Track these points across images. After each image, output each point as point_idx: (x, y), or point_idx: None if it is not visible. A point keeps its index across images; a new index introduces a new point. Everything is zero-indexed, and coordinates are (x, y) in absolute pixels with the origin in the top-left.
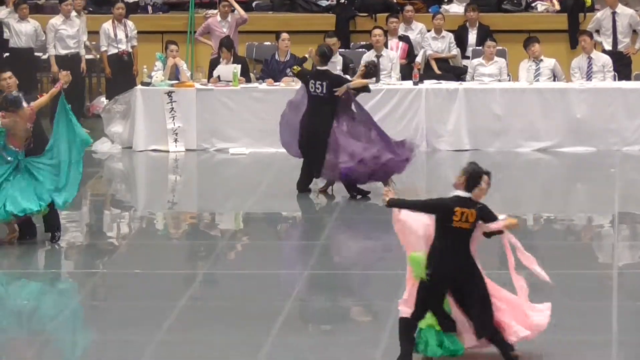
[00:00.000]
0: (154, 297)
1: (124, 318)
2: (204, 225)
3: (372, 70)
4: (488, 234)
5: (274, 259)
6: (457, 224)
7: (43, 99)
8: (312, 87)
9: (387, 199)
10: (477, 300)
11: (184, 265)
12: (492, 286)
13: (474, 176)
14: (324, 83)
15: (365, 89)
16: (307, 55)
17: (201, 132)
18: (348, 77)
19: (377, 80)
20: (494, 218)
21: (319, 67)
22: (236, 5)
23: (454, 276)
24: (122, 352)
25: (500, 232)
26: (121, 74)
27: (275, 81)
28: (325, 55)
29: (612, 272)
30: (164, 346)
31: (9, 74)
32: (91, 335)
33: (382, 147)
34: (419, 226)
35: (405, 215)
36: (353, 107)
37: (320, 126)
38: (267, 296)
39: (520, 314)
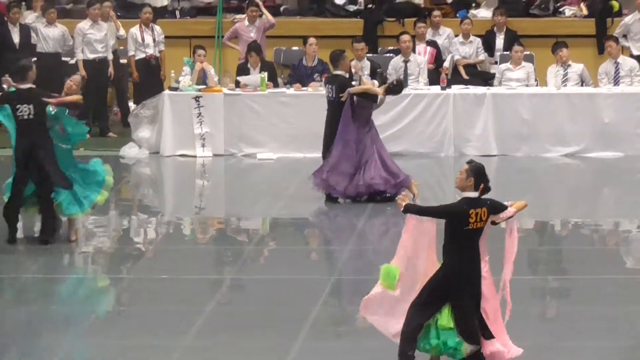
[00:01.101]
0: (181, 302)
1: (150, 323)
2: (231, 230)
3: (396, 88)
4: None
5: (301, 264)
6: (474, 226)
7: (67, 98)
8: (326, 92)
9: (404, 204)
10: (473, 309)
11: (211, 271)
12: (490, 290)
13: (481, 174)
14: (334, 87)
15: (369, 96)
16: (353, 70)
17: (229, 137)
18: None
19: (406, 85)
20: (503, 207)
21: (334, 72)
22: (264, 10)
23: (471, 277)
24: (149, 357)
25: (511, 217)
26: (149, 79)
27: (303, 86)
28: (335, 60)
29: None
30: (191, 351)
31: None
32: (118, 340)
33: (376, 174)
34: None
35: (418, 224)
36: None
37: (335, 132)
38: (294, 301)
39: (500, 329)
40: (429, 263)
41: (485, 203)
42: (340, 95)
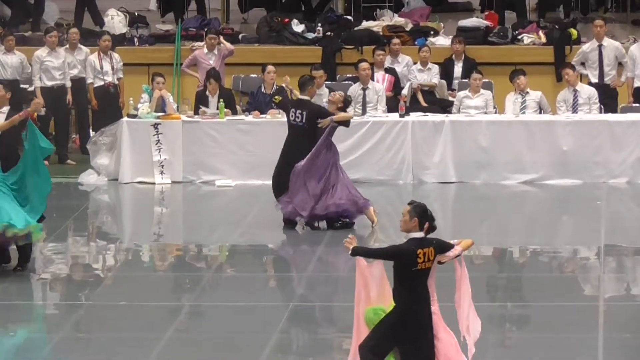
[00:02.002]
0: (139, 329)
1: (109, 350)
2: (189, 257)
3: (348, 103)
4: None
5: (259, 291)
6: (422, 266)
7: (4, 122)
8: (292, 116)
9: (351, 247)
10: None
11: (169, 297)
12: (442, 327)
13: (424, 213)
14: (304, 112)
15: (345, 122)
16: (283, 85)
17: (187, 164)
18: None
19: (364, 113)
20: (449, 246)
21: (299, 97)
22: (222, 40)
23: (422, 319)
24: None
25: (457, 256)
26: (107, 106)
27: (262, 113)
28: (303, 84)
29: (598, 305)
30: None
31: (0, 86)
32: None
33: (344, 195)
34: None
35: (368, 268)
36: (324, 143)
37: (298, 157)
38: (253, 328)
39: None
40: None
41: (432, 242)
42: (315, 121)
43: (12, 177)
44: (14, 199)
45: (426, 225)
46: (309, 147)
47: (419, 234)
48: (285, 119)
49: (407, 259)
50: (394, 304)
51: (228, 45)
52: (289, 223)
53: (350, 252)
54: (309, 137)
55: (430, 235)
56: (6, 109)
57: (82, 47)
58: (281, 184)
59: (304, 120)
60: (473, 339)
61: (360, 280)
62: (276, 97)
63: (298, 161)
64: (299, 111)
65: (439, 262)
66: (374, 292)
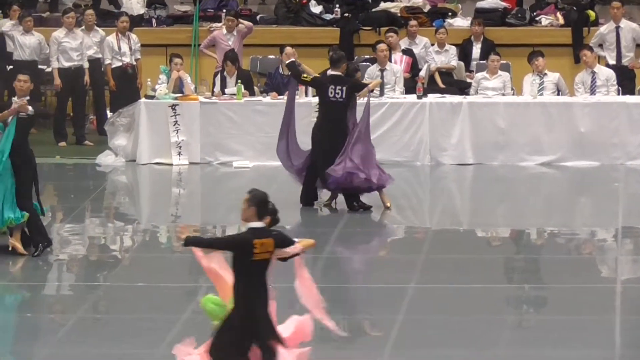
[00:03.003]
0: (156, 310)
1: (126, 331)
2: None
3: (354, 70)
4: (285, 259)
5: (277, 272)
6: (258, 257)
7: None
8: (331, 93)
9: (184, 237)
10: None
11: (187, 279)
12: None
13: (262, 203)
14: (344, 88)
15: (380, 89)
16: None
17: (205, 145)
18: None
19: (381, 94)
20: (290, 242)
21: (333, 73)
22: (240, 19)
23: (260, 313)
24: None
25: (296, 254)
26: (125, 87)
27: (279, 94)
28: (338, 60)
29: (615, 287)
30: None
31: (26, 77)
32: (94, 349)
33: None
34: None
35: (209, 259)
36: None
37: (341, 133)
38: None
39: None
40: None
41: (271, 234)
42: (357, 95)
43: None
44: None
45: (267, 219)
46: (346, 122)
47: (258, 224)
48: (302, 100)
49: (243, 248)
50: (234, 300)
51: (246, 23)
52: (363, 207)
53: (183, 243)
54: (345, 112)
55: (274, 228)
56: (25, 98)
57: (98, 29)
58: (328, 163)
59: (344, 96)
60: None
61: (210, 272)
62: (305, 75)
63: (339, 139)
64: (338, 87)
65: (279, 259)
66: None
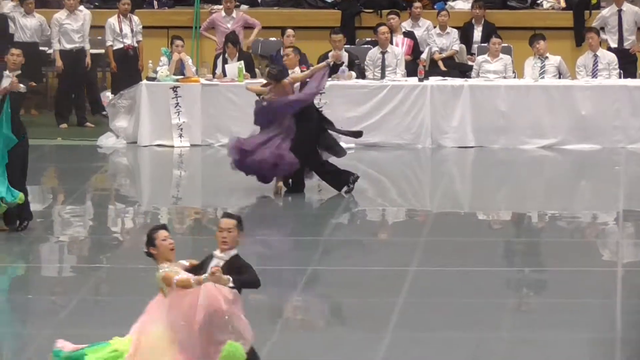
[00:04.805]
0: (156, 292)
1: (127, 313)
2: (207, 220)
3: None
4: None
5: (276, 255)
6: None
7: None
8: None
9: (229, 278)
10: None
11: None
12: None
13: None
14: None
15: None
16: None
17: (206, 127)
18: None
19: (383, 77)
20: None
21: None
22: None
23: None
24: None
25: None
26: (126, 69)
27: None
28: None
29: (616, 270)
30: None
31: (19, 51)
32: (96, 330)
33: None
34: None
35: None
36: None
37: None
38: (269, 292)
39: None
40: None
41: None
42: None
43: None
44: None
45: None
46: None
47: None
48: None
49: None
50: None
51: (255, 21)
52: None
53: (230, 283)
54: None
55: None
56: (16, 72)
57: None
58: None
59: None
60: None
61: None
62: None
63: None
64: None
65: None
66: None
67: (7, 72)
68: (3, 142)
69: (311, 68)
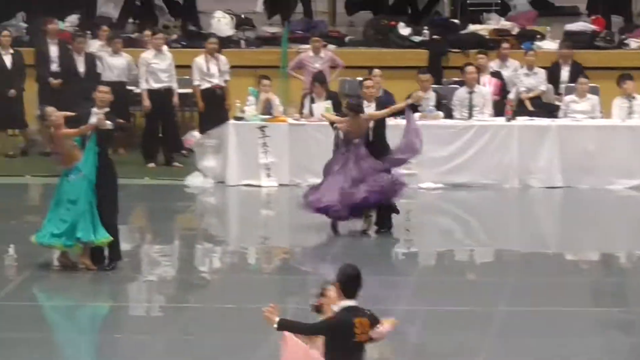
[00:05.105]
0: (245, 331)
1: (215, 352)
2: (295, 260)
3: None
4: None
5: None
6: (359, 337)
7: (73, 130)
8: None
9: (275, 318)
10: None
11: (275, 300)
12: None
13: (353, 278)
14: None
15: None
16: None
17: (293, 166)
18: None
19: (470, 116)
20: (377, 321)
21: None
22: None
23: None
24: None
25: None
26: (214, 108)
27: None
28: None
29: None
30: None
31: (107, 89)
32: None
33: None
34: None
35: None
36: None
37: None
38: None
39: None
40: None
41: (365, 312)
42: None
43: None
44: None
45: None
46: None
47: (351, 302)
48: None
49: (343, 330)
50: None
51: (340, 61)
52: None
53: (275, 325)
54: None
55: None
56: (104, 110)
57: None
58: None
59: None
60: None
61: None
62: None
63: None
64: None
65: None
66: None
67: (95, 109)
68: (87, 181)
69: (390, 107)
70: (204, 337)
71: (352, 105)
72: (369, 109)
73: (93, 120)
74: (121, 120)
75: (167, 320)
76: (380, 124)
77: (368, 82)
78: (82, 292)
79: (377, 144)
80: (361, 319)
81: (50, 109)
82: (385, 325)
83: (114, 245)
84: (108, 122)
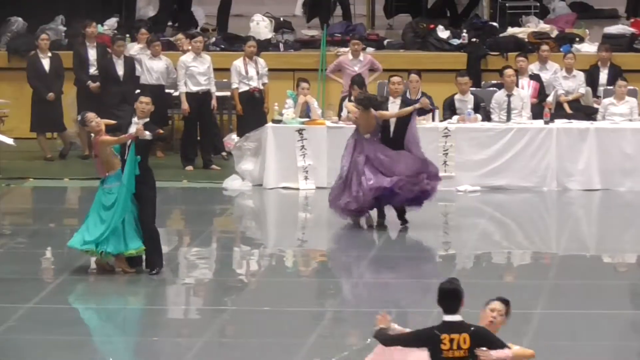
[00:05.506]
0: (283, 334)
1: (252, 355)
2: (333, 263)
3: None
4: None
5: (404, 297)
6: (448, 354)
7: (112, 138)
8: None
9: (378, 327)
10: None
11: (313, 303)
12: None
13: (445, 293)
14: None
15: None
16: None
17: (332, 169)
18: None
19: (508, 119)
20: (495, 342)
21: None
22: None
23: None
24: None
25: None
26: (252, 111)
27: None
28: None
29: None
30: None
31: (148, 99)
32: None
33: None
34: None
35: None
36: None
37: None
38: None
39: None
40: None
41: (469, 329)
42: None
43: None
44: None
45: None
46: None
47: (454, 318)
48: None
49: (429, 343)
50: None
51: (379, 65)
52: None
53: (374, 334)
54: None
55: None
56: (145, 120)
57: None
58: None
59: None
60: None
61: None
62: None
63: None
64: None
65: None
66: None
67: (135, 119)
68: (125, 190)
69: (398, 111)
70: (241, 339)
71: (358, 99)
72: (394, 105)
73: (132, 130)
74: (160, 131)
75: (204, 322)
76: (402, 122)
77: (395, 79)
78: (119, 295)
79: (399, 141)
80: (454, 336)
81: (90, 115)
82: (501, 351)
83: (157, 251)
84: (147, 132)
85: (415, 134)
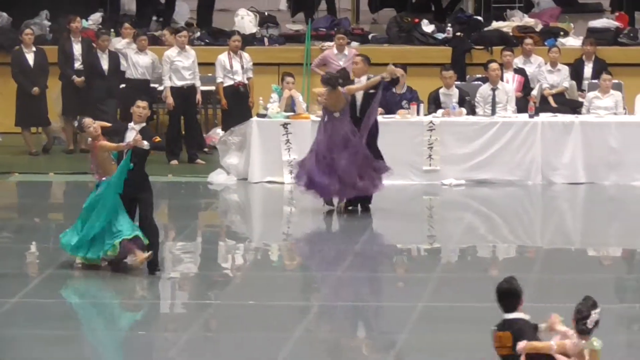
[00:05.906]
0: (268, 328)
1: (237, 350)
2: (318, 257)
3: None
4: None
5: (388, 291)
6: (499, 351)
7: (110, 144)
8: None
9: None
10: None
11: (298, 297)
12: None
13: (502, 292)
14: None
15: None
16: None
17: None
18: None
19: (493, 113)
20: (531, 335)
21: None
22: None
23: None
24: None
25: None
26: (237, 106)
27: (390, 113)
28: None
29: None
30: None
31: (145, 104)
32: None
33: None
34: None
35: None
36: None
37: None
38: (381, 329)
39: None
40: None
41: (513, 326)
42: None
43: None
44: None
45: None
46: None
47: (511, 315)
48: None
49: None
50: None
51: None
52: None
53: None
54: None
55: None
56: (142, 125)
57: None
58: None
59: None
60: None
61: None
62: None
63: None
64: None
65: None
66: None
67: (132, 125)
68: (112, 199)
69: (365, 82)
70: (226, 334)
71: (324, 79)
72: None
73: (130, 134)
74: (158, 139)
75: (190, 317)
76: (366, 101)
77: (356, 58)
78: (105, 290)
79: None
80: (500, 333)
81: (88, 120)
82: (549, 344)
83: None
84: (145, 142)
85: (372, 117)
